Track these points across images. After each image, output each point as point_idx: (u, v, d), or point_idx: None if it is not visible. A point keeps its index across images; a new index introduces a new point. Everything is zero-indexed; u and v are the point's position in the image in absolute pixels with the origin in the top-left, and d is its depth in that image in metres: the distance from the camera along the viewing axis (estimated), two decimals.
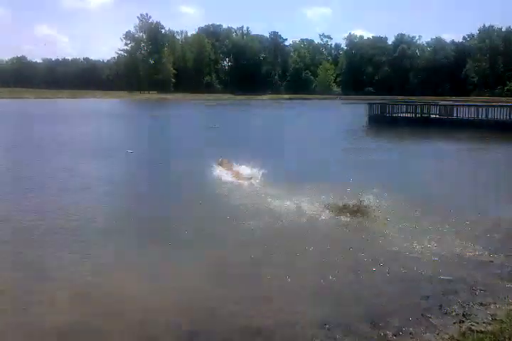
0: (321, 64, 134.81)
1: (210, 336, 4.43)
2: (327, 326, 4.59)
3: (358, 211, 8.34)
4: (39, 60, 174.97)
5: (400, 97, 70.46)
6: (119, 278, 5.84)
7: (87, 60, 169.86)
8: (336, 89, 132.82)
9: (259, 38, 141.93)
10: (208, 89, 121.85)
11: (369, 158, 16.60)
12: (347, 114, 51.78)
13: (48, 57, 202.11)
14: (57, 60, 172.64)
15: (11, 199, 9.63)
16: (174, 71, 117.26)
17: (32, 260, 6.33)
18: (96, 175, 12.57)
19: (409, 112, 31.56)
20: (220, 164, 12.87)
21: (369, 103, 34.40)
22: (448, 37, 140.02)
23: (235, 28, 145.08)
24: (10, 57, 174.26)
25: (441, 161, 16.56)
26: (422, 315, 4.86)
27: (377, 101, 36.88)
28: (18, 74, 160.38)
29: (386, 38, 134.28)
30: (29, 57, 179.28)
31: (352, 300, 5.24)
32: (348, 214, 8.21)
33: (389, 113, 32.29)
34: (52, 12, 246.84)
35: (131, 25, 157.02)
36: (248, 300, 5.23)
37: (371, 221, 8.06)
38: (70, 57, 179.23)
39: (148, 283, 5.69)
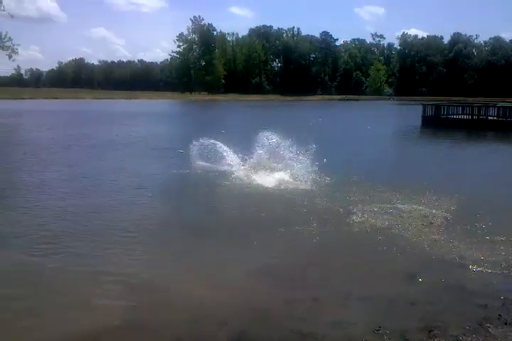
0: (372, 64, 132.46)
1: (260, 337, 4.45)
2: (380, 331, 4.51)
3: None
4: (96, 62, 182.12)
5: (455, 98, 68.19)
6: (173, 274, 5.98)
7: (141, 61, 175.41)
8: (387, 89, 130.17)
9: (310, 39, 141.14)
10: (257, 90, 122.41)
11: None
12: (399, 115, 50.68)
13: (105, 59, 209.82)
14: (113, 61, 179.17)
15: (67, 196, 10.02)
16: (224, 72, 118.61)
17: (87, 254, 6.56)
18: (147, 173, 12.90)
19: (466, 114, 30.48)
20: None
21: (423, 104, 33.47)
22: (507, 36, 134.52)
23: (286, 28, 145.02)
24: (69, 59, 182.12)
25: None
26: (479, 324, 4.69)
27: (432, 102, 35.83)
28: (77, 76, 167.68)
29: (441, 37, 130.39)
30: (87, 60, 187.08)
31: (406, 306, 5.13)
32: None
33: (444, 114, 31.31)
34: (109, 15, 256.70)
35: (184, 27, 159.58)
36: (301, 301, 5.22)
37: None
38: (125, 59, 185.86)
39: (202, 280, 5.79)
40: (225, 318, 4.76)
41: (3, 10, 50.56)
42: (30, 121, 33.07)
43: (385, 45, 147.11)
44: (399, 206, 8.90)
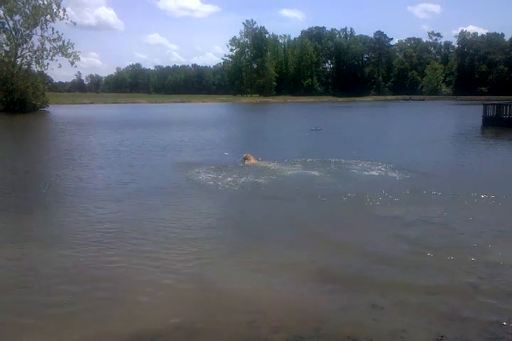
0: (428, 63, 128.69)
1: None
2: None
3: None
4: (152, 68, 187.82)
5: None
6: (230, 274, 6.00)
7: (195, 66, 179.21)
8: (444, 89, 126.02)
9: (364, 39, 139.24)
10: (309, 91, 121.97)
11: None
12: (458, 115, 48.86)
13: (160, 64, 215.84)
14: (168, 66, 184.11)
15: (122, 200, 10.29)
16: (276, 74, 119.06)
17: (147, 250, 6.71)
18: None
19: None
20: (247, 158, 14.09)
21: (484, 104, 32.06)
22: None
23: (339, 29, 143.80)
24: (126, 65, 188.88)
25: None
26: None
27: (494, 102, 34.25)
28: (133, 81, 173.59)
29: (502, 35, 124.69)
30: (143, 65, 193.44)
31: (469, 315, 4.88)
32: None
33: (506, 114, 29.83)
34: (163, 22, 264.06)
35: (235, 31, 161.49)
36: (359, 307, 5.09)
37: None
38: (179, 64, 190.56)
39: (259, 281, 5.77)
40: (281, 322, 4.71)
41: (67, 18, 52.62)
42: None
43: (442, 43, 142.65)
44: None
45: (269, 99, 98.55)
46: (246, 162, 14.02)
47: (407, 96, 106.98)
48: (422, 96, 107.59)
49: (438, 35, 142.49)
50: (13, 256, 6.60)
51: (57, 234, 7.56)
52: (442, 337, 4.36)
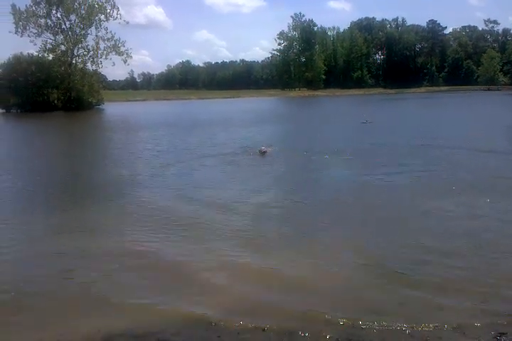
0: (485, 52, 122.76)
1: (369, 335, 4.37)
2: (504, 338, 4.22)
3: None
4: (201, 64, 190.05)
5: None
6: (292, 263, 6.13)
7: (243, 61, 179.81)
8: (502, 78, 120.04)
9: (416, 28, 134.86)
10: (359, 84, 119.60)
11: None
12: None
13: (209, 60, 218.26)
14: (216, 63, 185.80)
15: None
16: (325, 67, 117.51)
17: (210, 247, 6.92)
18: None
19: None
20: None
21: None
22: None
23: (390, 19, 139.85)
24: (176, 62, 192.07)
25: None
26: None
27: None
28: (183, 78, 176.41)
29: None
30: (192, 62, 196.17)
31: None
32: None
33: None
34: (210, 18, 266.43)
35: (282, 25, 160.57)
36: (413, 301, 5.05)
37: None
38: (227, 60, 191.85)
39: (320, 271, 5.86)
40: (336, 312, 4.75)
41: (120, 18, 54.17)
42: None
43: (500, 31, 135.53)
44: None
45: (318, 93, 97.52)
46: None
47: (486, 87, 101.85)
48: (499, 87, 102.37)
49: (495, 22, 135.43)
50: None
51: None
52: (500, 336, 4.26)
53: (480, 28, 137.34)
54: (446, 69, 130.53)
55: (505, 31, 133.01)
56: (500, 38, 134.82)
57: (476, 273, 5.68)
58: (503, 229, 7.34)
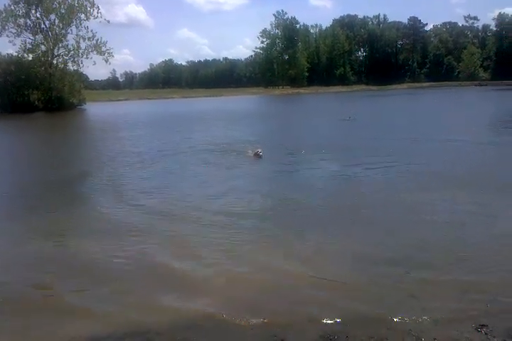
0: (465, 48, 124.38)
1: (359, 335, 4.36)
2: (484, 329, 4.24)
3: None
4: (184, 63, 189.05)
5: None
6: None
7: (226, 59, 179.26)
8: (482, 74, 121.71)
9: (397, 25, 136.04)
10: (342, 81, 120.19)
11: None
12: (498, 102, 47.24)
13: (191, 59, 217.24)
14: (199, 61, 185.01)
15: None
16: (308, 65, 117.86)
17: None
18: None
19: None
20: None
21: None
22: None
23: (371, 16, 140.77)
24: (159, 61, 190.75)
25: None
26: None
27: None
28: (166, 77, 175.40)
29: None
30: (175, 60, 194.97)
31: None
32: None
33: None
34: (191, 16, 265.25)
35: (264, 23, 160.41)
36: (394, 294, 5.07)
37: None
38: (210, 58, 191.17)
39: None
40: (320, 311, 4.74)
41: (100, 17, 53.47)
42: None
43: (480, 27, 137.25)
44: None
45: (301, 90, 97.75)
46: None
47: (477, 82, 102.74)
48: (487, 82, 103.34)
49: (475, 18, 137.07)
50: None
51: None
52: (482, 327, 4.29)
53: (460, 25, 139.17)
54: (427, 66, 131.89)
55: (485, 27, 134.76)
56: (480, 33, 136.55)
57: (455, 265, 5.73)
58: (482, 223, 7.43)
